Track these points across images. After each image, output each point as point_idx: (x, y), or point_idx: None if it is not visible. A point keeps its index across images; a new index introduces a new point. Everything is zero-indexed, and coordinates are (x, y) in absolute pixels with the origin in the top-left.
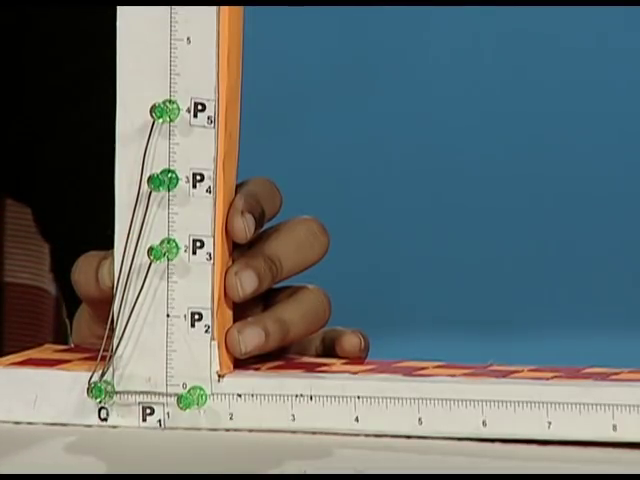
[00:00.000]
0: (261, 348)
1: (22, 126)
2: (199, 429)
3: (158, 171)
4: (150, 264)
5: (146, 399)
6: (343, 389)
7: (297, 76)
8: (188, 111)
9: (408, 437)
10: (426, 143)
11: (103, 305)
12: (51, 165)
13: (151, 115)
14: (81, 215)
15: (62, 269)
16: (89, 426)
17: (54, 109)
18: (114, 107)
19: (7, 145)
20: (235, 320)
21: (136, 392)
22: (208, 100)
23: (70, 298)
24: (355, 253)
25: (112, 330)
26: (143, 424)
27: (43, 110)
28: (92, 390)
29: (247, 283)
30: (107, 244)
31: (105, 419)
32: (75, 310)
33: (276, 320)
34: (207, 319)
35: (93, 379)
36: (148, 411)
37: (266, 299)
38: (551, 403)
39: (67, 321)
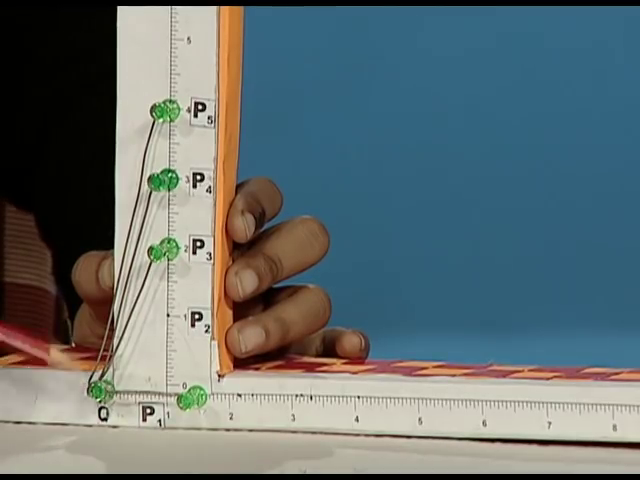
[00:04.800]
0: (261, 347)
1: (23, 132)
2: (199, 429)
3: (158, 171)
4: (150, 264)
5: (146, 399)
6: (343, 389)
7: (297, 76)
8: (188, 111)
9: (408, 437)
10: (426, 143)
11: (103, 305)
12: (52, 170)
13: (151, 115)
14: (83, 220)
15: (64, 273)
16: (89, 426)
17: (56, 114)
18: (114, 109)
19: (8, 151)
20: (235, 320)
21: (136, 392)
22: (208, 100)
23: (72, 300)
24: (355, 253)
25: (112, 330)
26: (143, 424)
27: (45, 115)
28: (92, 390)
29: (247, 283)
30: (108, 248)
31: (105, 419)
32: (77, 311)
33: (276, 319)
34: (207, 319)
35: (93, 379)
36: (148, 411)
37: (266, 299)
38: (551, 403)
39: (68, 321)
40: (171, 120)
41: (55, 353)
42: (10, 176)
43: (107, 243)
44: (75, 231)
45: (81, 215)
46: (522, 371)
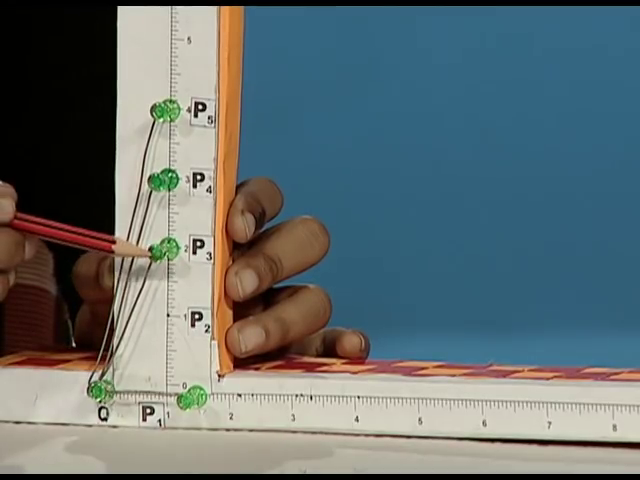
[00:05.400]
0: (261, 347)
1: (24, 134)
2: (199, 429)
3: (158, 171)
4: (150, 264)
5: (146, 399)
6: (343, 389)
7: (297, 76)
8: (188, 111)
9: (408, 437)
10: (426, 143)
11: (103, 305)
12: (53, 173)
13: (151, 115)
14: (84, 222)
15: (64, 273)
16: (89, 426)
17: (56, 116)
18: (114, 111)
19: (9, 154)
20: (235, 320)
21: (136, 392)
22: (208, 100)
23: (72, 300)
24: (355, 253)
25: (112, 330)
26: (143, 424)
27: (45, 117)
28: (92, 390)
29: (247, 283)
30: None
31: (105, 419)
32: (77, 311)
33: (276, 319)
34: (207, 319)
35: (93, 379)
36: (148, 411)
37: (266, 299)
38: (551, 403)
39: (69, 321)
40: (171, 120)
41: (121, 245)
42: (11, 177)
43: None
44: None
45: (82, 216)
46: (522, 371)
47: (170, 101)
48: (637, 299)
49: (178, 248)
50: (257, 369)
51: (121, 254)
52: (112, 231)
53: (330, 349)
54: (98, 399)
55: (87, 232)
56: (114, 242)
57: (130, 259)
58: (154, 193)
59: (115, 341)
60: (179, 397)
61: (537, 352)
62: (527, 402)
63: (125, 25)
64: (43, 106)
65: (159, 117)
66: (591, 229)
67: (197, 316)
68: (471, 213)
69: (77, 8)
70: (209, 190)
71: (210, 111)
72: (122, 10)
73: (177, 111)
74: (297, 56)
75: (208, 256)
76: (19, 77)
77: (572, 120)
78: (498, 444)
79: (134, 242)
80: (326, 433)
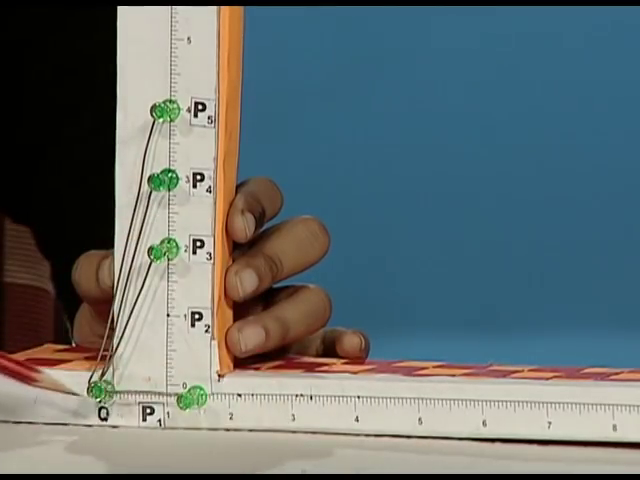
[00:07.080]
0: (261, 347)
1: (20, 145)
2: (199, 429)
3: (158, 171)
4: (150, 264)
5: (146, 399)
6: (343, 389)
7: (297, 76)
8: (188, 111)
9: (408, 437)
10: (426, 143)
11: (103, 304)
12: (50, 183)
13: (151, 115)
14: (81, 232)
15: (63, 285)
16: (89, 426)
17: (51, 130)
18: (109, 124)
19: (9, 155)
20: (235, 320)
21: (136, 392)
22: (208, 100)
23: (71, 306)
24: (355, 253)
25: (112, 330)
26: (143, 424)
27: (45, 118)
28: (92, 390)
29: (247, 282)
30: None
31: (105, 419)
32: (77, 311)
33: (276, 319)
34: (207, 319)
35: (93, 379)
36: (148, 411)
37: (266, 299)
38: (551, 403)
39: (68, 324)
40: (171, 120)
41: (47, 378)
42: (7, 191)
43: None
44: (74, 243)
45: (81, 216)
46: (522, 371)
47: (170, 101)
48: (637, 299)
49: (178, 248)
50: (257, 369)
51: (43, 387)
52: (112, 231)
53: (330, 349)
54: (98, 399)
55: (14, 358)
56: (39, 372)
57: (130, 260)
58: (154, 193)
59: (115, 341)
60: (179, 397)
61: (537, 352)
62: (527, 402)
63: (125, 25)
64: (43, 106)
65: (159, 117)
66: (591, 229)
67: (197, 316)
68: (471, 213)
69: (77, 8)
70: (209, 190)
71: (210, 111)
72: (122, 10)
73: (177, 111)
74: (297, 56)
75: (208, 256)
76: (19, 77)
77: (573, 121)
78: (498, 444)
79: (134, 242)
80: (326, 433)
